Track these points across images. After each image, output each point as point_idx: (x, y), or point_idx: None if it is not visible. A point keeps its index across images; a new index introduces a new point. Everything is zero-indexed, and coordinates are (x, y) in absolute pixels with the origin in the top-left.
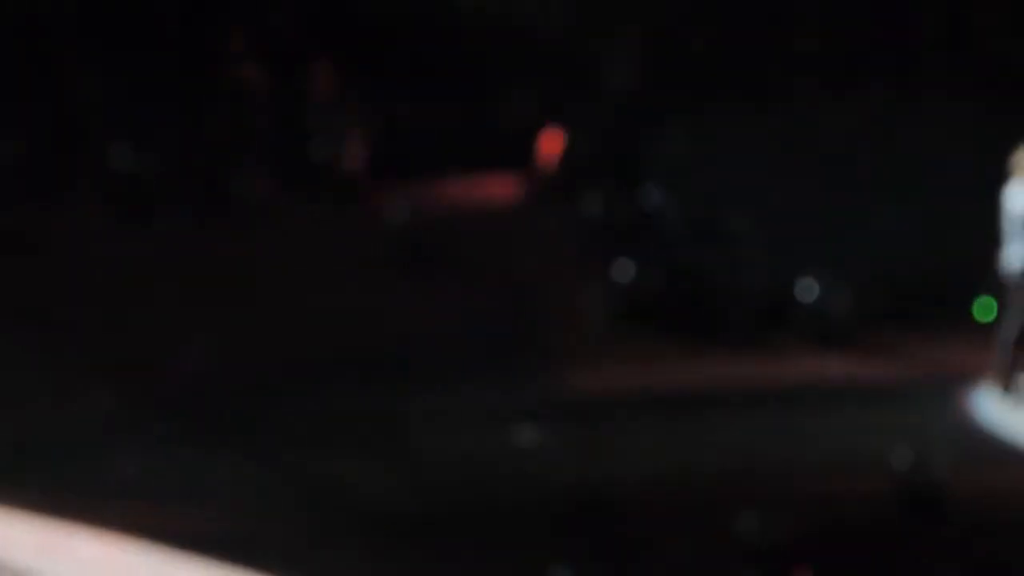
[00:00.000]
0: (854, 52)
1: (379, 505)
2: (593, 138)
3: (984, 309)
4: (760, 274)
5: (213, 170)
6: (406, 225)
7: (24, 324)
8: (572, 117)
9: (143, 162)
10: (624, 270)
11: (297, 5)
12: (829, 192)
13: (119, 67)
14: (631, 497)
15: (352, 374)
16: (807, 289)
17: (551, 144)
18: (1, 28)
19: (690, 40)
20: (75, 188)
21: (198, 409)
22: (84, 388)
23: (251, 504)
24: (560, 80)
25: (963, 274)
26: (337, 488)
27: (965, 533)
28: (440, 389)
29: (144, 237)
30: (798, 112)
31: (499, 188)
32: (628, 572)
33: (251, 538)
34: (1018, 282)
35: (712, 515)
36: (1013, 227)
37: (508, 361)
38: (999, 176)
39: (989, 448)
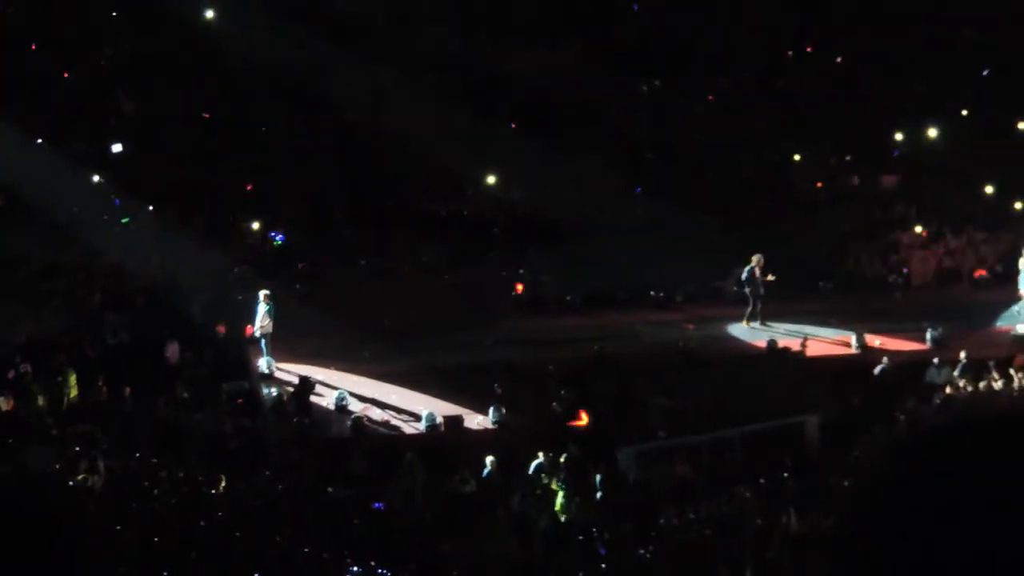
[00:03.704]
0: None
1: (448, 365)
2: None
3: None
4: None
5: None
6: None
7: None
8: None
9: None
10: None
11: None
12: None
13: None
14: (527, 365)
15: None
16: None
17: None
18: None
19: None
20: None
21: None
22: (355, 328)
23: (408, 364)
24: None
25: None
26: (436, 360)
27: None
28: (458, 334)
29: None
30: (576, 245)
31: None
32: (518, 387)
33: (412, 375)
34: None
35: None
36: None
37: (485, 319)
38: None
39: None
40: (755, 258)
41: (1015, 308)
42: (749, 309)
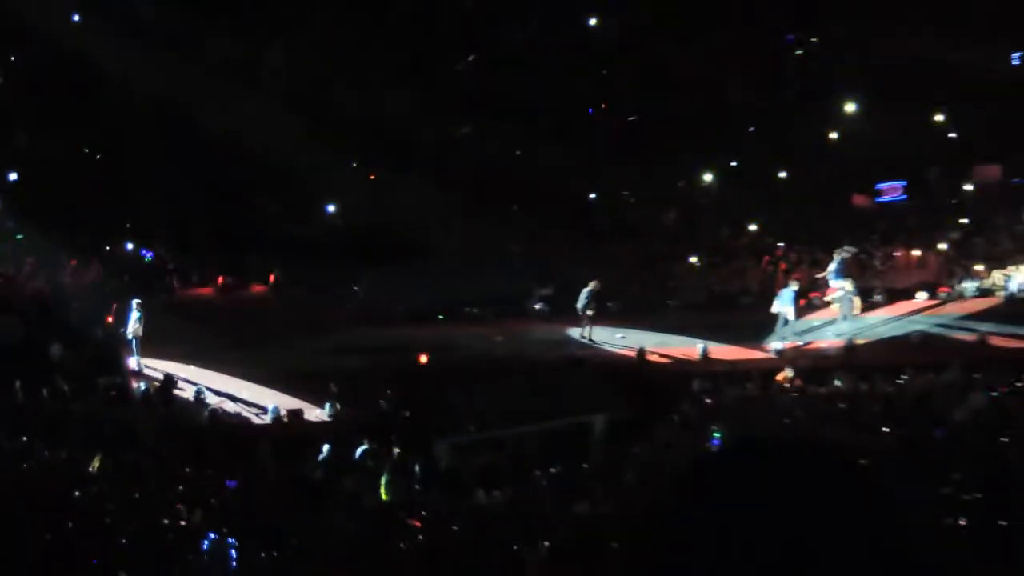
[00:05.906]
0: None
1: (291, 367)
2: None
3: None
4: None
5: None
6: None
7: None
8: None
9: None
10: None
11: None
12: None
13: None
14: (359, 369)
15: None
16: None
17: None
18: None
19: None
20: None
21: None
22: (212, 334)
23: (257, 365)
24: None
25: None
26: (282, 363)
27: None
28: (300, 341)
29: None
30: (404, 266)
31: None
32: (351, 386)
33: (261, 374)
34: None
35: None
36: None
37: (323, 330)
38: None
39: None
40: (593, 283)
41: (780, 327)
42: (585, 324)
